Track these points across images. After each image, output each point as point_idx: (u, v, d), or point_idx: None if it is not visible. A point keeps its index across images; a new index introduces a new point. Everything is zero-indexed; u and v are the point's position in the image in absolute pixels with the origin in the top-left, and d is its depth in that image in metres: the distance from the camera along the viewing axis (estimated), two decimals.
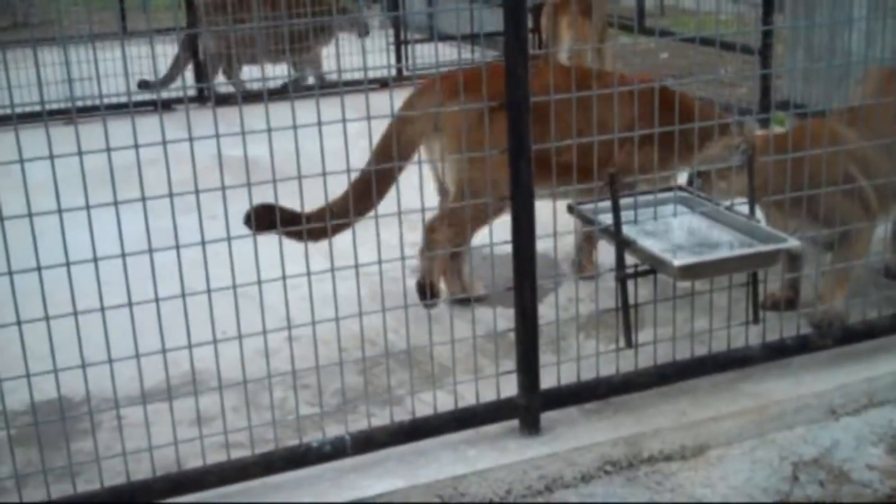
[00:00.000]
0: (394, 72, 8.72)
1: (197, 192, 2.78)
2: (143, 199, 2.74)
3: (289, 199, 2.91)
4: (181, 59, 8.33)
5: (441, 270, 4.12)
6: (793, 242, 3.32)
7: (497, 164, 3.21)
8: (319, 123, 2.83)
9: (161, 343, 2.82)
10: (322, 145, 2.88)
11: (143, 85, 7.70)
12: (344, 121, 2.89)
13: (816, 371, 3.54)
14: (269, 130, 2.83)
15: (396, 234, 3.06)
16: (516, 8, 2.97)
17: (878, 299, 3.75)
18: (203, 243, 2.80)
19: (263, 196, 2.93)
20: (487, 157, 3.22)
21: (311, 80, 8.63)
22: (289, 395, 3.24)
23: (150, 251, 2.76)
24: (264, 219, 3.20)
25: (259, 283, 2.87)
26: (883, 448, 3.29)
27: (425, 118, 3.86)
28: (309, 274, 2.93)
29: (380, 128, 2.92)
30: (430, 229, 3.94)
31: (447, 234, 3.93)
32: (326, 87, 7.51)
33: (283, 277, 2.90)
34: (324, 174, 2.89)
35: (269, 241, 2.85)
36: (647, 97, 3.62)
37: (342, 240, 2.99)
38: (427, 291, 4.01)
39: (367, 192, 3.50)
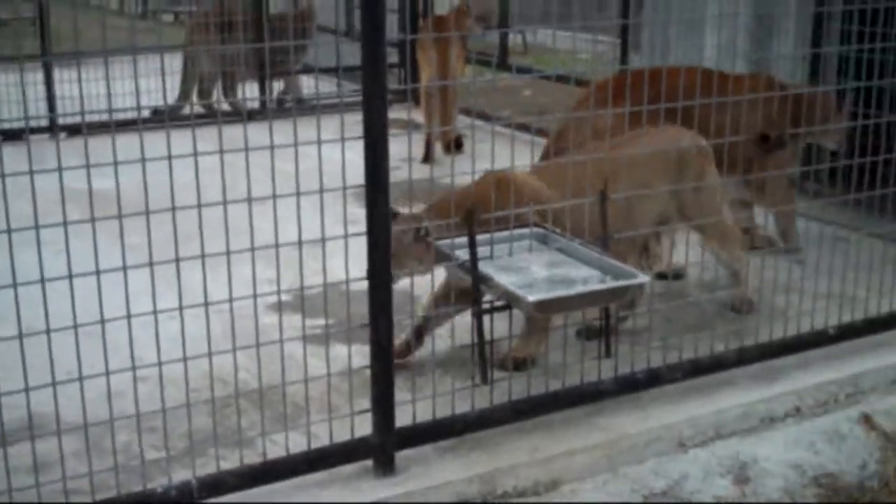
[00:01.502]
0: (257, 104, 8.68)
1: (37, 227, 2.67)
2: None
3: (139, 234, 2.83)
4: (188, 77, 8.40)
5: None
6: (643, 278, 3.40)
7: None
8: (169, 157, 2.75)
9: None
10: (171, 179, 2.79)
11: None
12: (195, 154, 2.82)
13: (666, 404, 3.61)
14: (115, 164, 2.74)
15: (249, 271, 2.99)
16: (375, 43, 2.95)
17: (724, 332, 3.87)
18: (42, 281, 2.67)
19: (109, 231, 2.82)
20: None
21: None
22: (133, 438, 3.11)
23: None
24: None
25: (102, 322, 2.77)
26: (730, 479, 3.38)
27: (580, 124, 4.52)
28: (156, 312, 2.83)
29: (236, 160, 2.87)
30: None
31: None
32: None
33: (129, 316, 2.80)
34: (173, 209, 2.81)
35: (115, 278, 2.75)
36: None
37: (192, 277, 2.89)
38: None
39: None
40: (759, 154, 4.73)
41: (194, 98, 8.45)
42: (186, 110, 8.11)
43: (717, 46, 5.66)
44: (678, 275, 4.56)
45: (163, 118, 2.93)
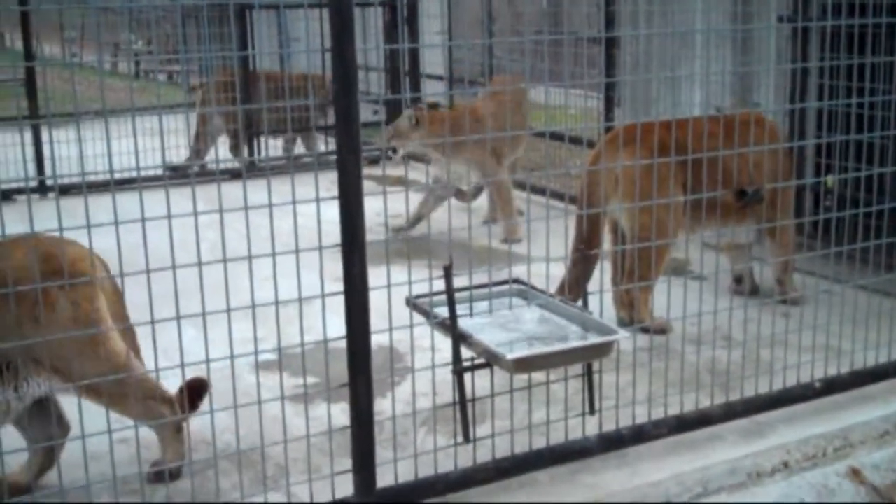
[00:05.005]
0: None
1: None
2: None
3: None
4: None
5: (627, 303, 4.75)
6: (623, 334, 3.38)
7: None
8: (169, 216, 2.75)
9: None
10: (172, 237, 2.79)
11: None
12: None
13: (652, 460, 3.57)
14: (117, 224, 2.74)
15: (235, 329, 2.98)
16: (348, 105, 2.97)
17: (711, 388, 3.84)
18: None
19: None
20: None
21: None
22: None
23: None
24: None
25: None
26: None
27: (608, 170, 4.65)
28: None
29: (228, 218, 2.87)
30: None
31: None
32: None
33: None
34: (174, 267, 2.81)
35: None
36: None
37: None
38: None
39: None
40: (737, 207, 4.75)
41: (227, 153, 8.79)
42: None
43: (699, 103, 5.70)
44: (663, 329, 4.54)
45: (178, 175, 2.93)
